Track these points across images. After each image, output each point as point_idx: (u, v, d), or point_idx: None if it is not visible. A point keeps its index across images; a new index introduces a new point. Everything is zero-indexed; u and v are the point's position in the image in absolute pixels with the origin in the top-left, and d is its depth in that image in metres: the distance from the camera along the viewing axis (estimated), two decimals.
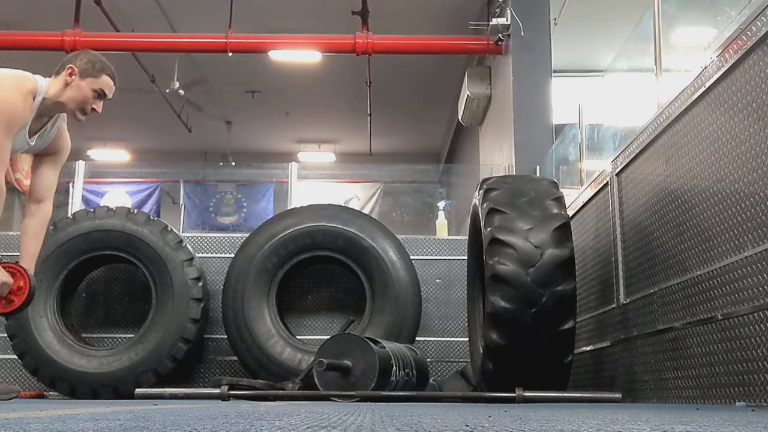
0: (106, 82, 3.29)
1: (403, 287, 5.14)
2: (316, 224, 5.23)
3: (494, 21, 8.00)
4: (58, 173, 3.52)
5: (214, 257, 5.71)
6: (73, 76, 3.23)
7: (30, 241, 3.39)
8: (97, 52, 3.37)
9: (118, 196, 10.67)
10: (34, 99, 3.14)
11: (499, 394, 3.54)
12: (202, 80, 11.68)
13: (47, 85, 3.21)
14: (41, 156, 3.44)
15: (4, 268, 3.23)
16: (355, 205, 10.08)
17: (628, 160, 3.97)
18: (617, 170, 4.14)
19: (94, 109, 3.30)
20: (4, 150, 3.06)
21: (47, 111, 3.24)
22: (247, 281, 5.15)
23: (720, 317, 2.82)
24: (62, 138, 3.41)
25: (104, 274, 5.70)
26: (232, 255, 5.34)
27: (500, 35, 8.01)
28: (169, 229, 5.20)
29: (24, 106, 3.09)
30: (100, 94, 3.30)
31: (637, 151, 3.82)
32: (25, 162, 13.38)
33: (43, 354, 4.92)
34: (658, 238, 3.52)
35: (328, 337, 4.25)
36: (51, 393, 5.28)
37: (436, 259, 5.87)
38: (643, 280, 3.71)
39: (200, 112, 12.57)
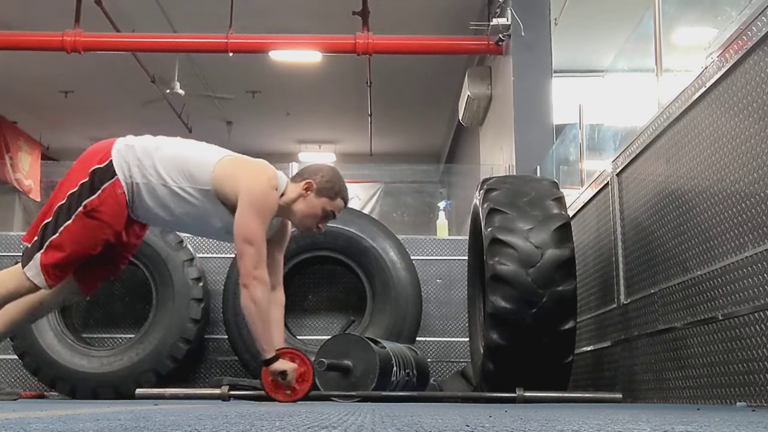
0: (339, 206, 3.25)
1: (403, 287, 5.13)
2: None
3: (495, 21, 7.99)
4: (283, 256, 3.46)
5: (214, 257, 5.71)
6: (309, 192, 3.19)
7: (278, 331, 3.32)
8: (337, 170, 3.29)
9: None
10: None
11: (499, 394, 3.54)
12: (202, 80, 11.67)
13: (285, 186, 3.20)
14: (267, 242, 3.37)
15: (282, 354, 3.19)
16: (355, 205, 10.05)
17: (628, 161, 3.97)
18: (618, 170, 4.14)
19: (318, 227, 3.27)
20: (263, 241, 3.06)
21: (278, 211, 3.22)
22: None
23: (721, 317, 2.82)
24: (285, 228, 3.37)
25: None
26: (233, 255, 5.33)
27: (501, 35, 8.00)
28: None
29: (276, 202, 3.12)
30: (329, 215, 3.25)
31: (637, 152, 3.82)
32: (26, 162, 13.39)
33: (44, 354, 4.92)
34: (659, 238, 3.52)
35: (329, 337, 4.25)
36: (51, 393, 5.28)
37: (436, 260, 5.87)
38: (643, 280, 3.71)
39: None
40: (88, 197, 3.02)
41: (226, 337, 5.24)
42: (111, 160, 3.07)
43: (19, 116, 12.94)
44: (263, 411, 2.00)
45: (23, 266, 3.04)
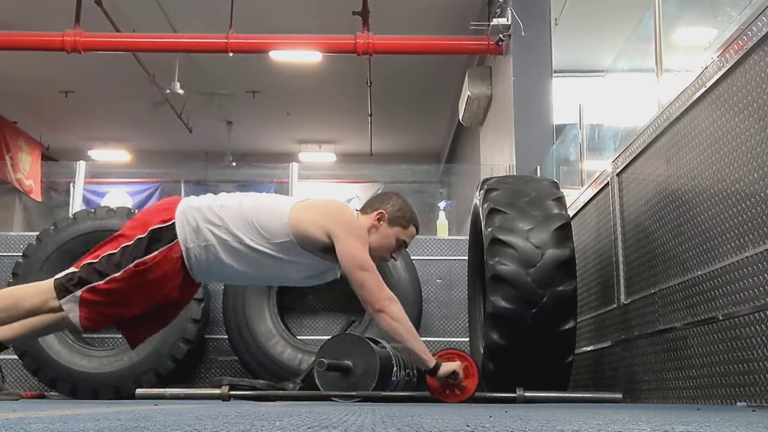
0: (411, 234, 3.24)
1: (403, 287, 5.13)
2: None
3: (495, 21, 7.99)
4: None
5: None
6: (382, 222, 3.17)
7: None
8: (404, 197, 3.29)
9: (118, 196, 10.70)
10: None
11: (499, 394, 3.54)
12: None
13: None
14: None
15: (442, 356, 3.16)
16: (355, 205, 10.07)
17: (628, 161, 3.97)
18: (618, 170, 4.14)
19: (392, 257, 3.26)
20: (374, 265, 3.05)
21: None
22: None
23: (721, 317, 2.82)
24: None
25: None
26: None
27: (501, 35, 8.00)
28: None
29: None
30: (401, 245, 3.24)
31: (637, 152, 3.82)
32: (26, 163, 13.40)
33: (44, 354, 4.92)
34: (659, 238, 3.52)
35: (329, 337, 4.25)
36: (52, 393, 5.28)
37: (436, 260, 5.87)
38: (643, 280, 3.71)
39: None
40: (142, 256, 2.97)
41: (226, 337, 5.24)
42: (173, 222, 3.02)
43: (19, 116, 12.95)
44: (263, 411, 2.00)
45: (59, 297, 2.96)
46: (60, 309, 2.97)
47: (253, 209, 3.06)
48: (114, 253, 2.98)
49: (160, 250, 2.99)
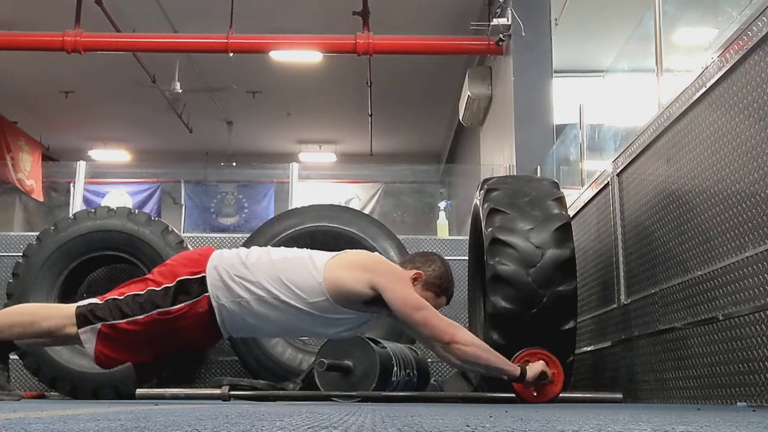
0: (441, 304, 3.19)
1: None
2: (317, 224, 5.23)
3: (495, 21, 8.00)
4: None
5: None
6: (417, 283, 3.13)
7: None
8: (447, 264, 3.25)
9: (119, 196, 10.70)
10: None
11: (500, 395, 3.54)
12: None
13: None
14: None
15: (527, 359, 3.13)
16: (355, 205, 10.08)
17: (629, 161, 3.97)
18: (618, 170, 4.14)
19: None
20: (427, 302, 3.03)
21: None
22: None
23: (721, 317, 2.82)
24: None
25: (105, 274, 5.69)
26: None
27: (501, 35, 8.01)
28: (170, 229, 5.20)
29: None
30: None
31: (638, 152, 3.82)
32: (27, 163, 13.39)
33: (44, 354, 4.92)
34: (659, 238, 3.52)
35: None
36: (52, 393, 5.28)
37: None
38: (644, 280, 3.71)
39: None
40: (167, 306, 2.95)
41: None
42: (203, 276, 2.99)
43: (19, 116, 12.95)
44: (263, 411, 2.00)
45: (78, 326, 2.96)
46: (76, 336, 2.97)
47: (285, 267, 3.02)
48: (140, 294, 2.98)
49: (185, 302, 2.96)
